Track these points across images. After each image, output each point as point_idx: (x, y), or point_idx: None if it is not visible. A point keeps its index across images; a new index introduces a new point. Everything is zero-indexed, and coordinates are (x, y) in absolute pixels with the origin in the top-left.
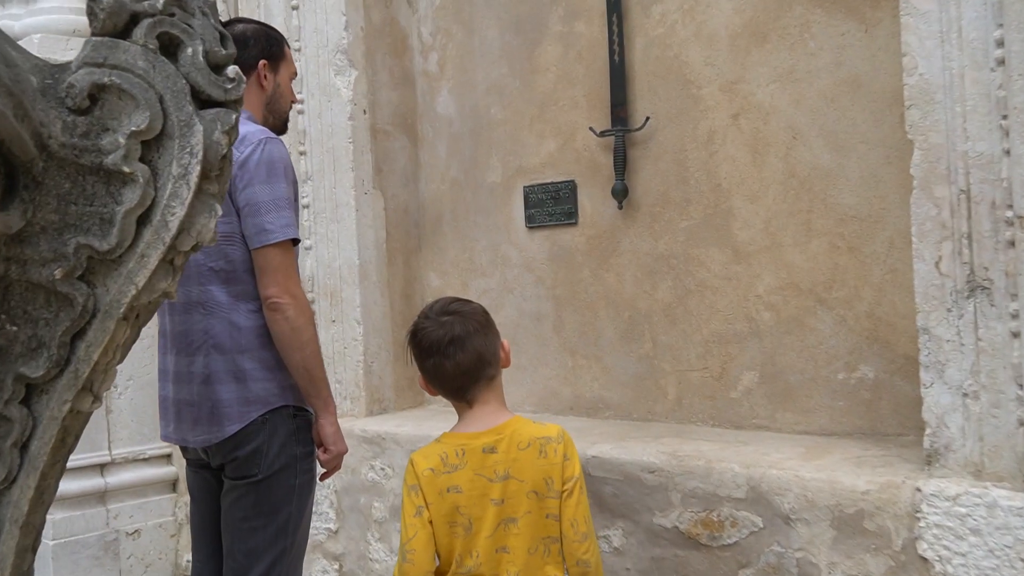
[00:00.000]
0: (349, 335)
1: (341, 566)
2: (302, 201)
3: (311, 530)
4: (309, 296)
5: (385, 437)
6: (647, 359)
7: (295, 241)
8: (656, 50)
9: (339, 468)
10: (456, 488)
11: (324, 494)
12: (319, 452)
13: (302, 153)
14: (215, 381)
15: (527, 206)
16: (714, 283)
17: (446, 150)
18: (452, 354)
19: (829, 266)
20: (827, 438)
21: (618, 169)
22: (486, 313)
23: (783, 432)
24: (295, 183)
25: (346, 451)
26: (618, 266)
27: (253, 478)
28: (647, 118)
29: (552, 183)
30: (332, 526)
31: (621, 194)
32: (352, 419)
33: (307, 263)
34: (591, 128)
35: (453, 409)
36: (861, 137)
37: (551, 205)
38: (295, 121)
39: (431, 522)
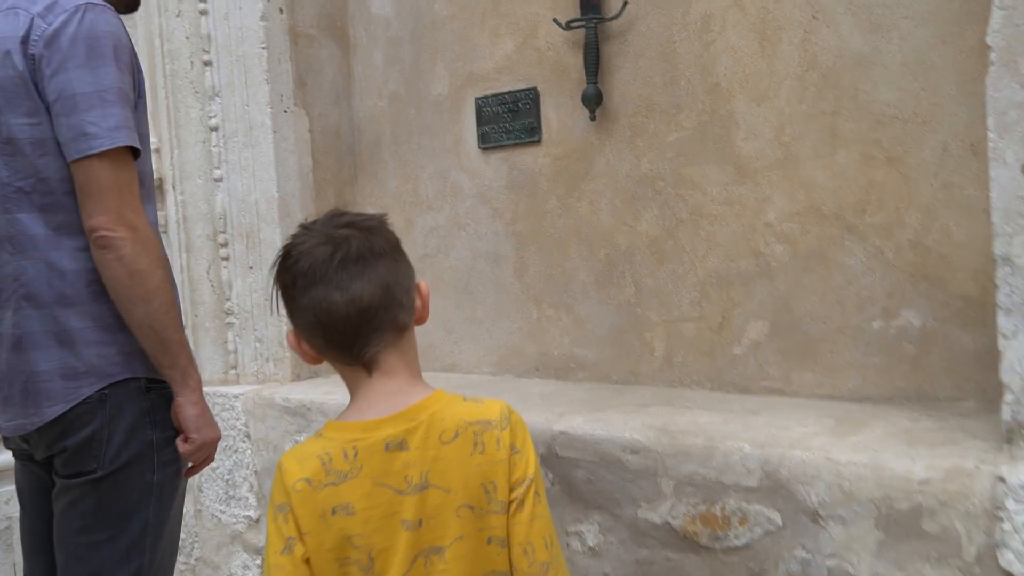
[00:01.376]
0: (270, 284)
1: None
2: (209, 122)
3: (227, 519)
4: (221, 238)
5: (311, 407)
6: (629, 307)
7: (135, 153)
8: None
9: (210, 461)
10: (346, 508)
11: (243, 475)
12: (179, 441)
13: (207, 64)
14: (29, 346)
15: (480, 122)
16: (712, 210)
17: (383, 58)
18: (345, 283)
19: (861, 183)
20: (859, 405)
21: (589, 70)
22: (397, 238)
23: (801, 397)
24: (135, 70)
25: (217, 438)
26: (592, 193)
27: (91, 475)
28: (625, 2)
29: (509, 92)
30: (252, 513)
31: (594, 101)
32: (276, 385)
33: (218, 198)
34: (555, 20)
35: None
36: (904, 11)
37: (508, 120)
38: (197, 24)
39: (308, 561)
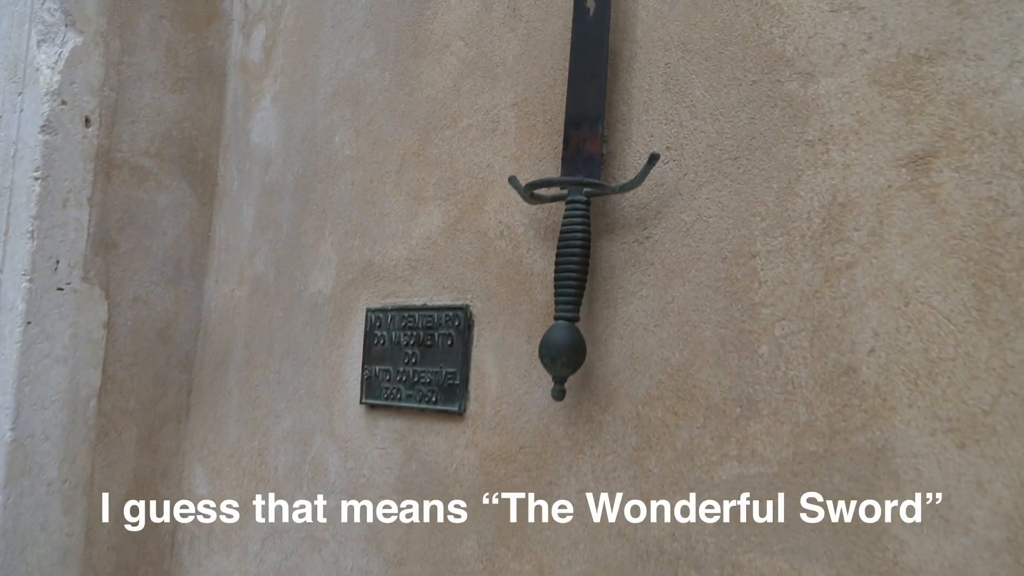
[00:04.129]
0: None
1: None
2: None
3: None
4: None
5: None
6: None
7: None
8: None
9: None
10: None
11: None
12: None
13: None
14: None
15: (369, 356)
16: None
17: (254, 216)
18: None
19: None
20: None
21: (564, 290)
22: None
23: None
24: None
25: None
26: (546, 551)
27: None
28: (653, 157)
29: (423, 309)
30: None
31: (564, 360)
32: None
33: None
34: (512, 179)
35: None
36: None
37: (414, 360)
38: None
39: None
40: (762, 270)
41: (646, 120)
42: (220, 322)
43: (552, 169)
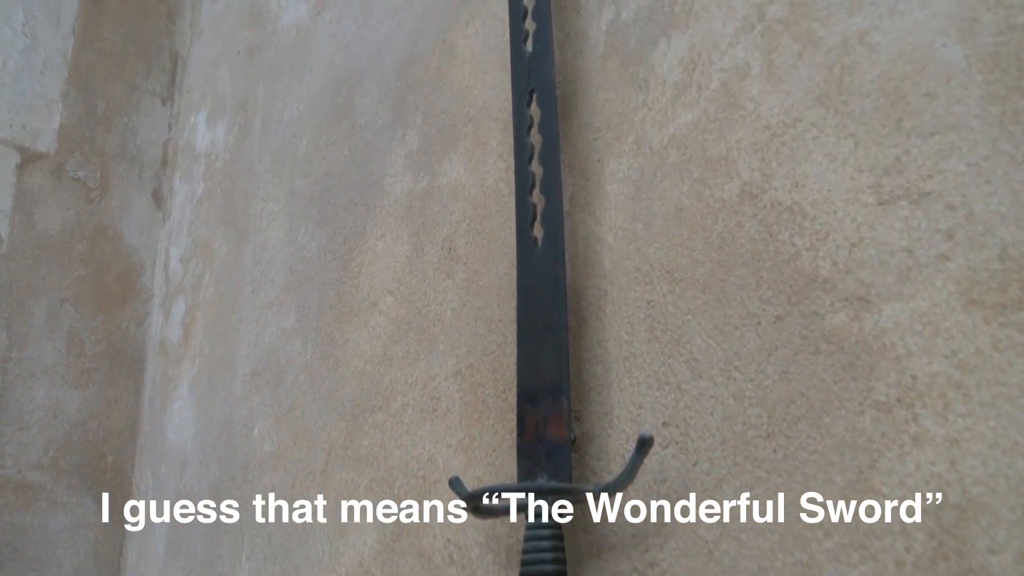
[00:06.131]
0: None
1: None
2: None
3: None
4: None
5: None
6: None
7: None
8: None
9: None
10: None
11: None
12: None
13: None
14: None
15: None
16: None
17: (167, 536)
18: None
19: None
20: None
21: None
22: None
23: None
24: None
25: None
26: None
27: None
28: (643, 442)
29: None
30: None
31: None
32: None
33: None
34: (454, 484)
35: None
36: None
37: None
38: None
39: None
40: None
41: (630, 385)
42: None
43: (510, 461)
